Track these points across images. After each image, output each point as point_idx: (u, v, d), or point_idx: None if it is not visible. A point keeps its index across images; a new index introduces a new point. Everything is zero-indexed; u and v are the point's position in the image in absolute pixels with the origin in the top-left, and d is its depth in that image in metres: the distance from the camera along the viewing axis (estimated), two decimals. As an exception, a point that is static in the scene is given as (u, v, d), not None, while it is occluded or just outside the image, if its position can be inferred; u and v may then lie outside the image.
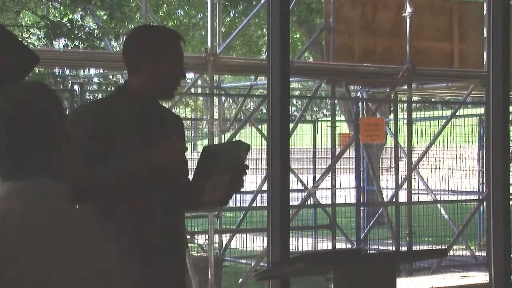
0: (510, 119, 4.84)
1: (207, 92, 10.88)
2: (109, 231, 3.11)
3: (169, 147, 3.17)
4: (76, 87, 9.44)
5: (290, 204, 4.33)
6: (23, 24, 14.84)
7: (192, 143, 22.08)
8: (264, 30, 17.93)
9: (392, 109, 12.63)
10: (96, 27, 12.50)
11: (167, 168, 3.10)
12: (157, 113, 3.26)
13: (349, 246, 11.14)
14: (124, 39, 3.52)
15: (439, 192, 13.31)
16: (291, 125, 10.16)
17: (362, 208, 12.27)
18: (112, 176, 3.03)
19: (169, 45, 3.19)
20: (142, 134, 3.14)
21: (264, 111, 13.44)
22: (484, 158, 11.97)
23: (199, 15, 19.42)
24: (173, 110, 11.60)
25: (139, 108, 3.17)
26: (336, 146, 11.60)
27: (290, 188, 4.22)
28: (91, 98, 11.71)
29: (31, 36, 12.74)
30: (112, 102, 3.20)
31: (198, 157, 3.15)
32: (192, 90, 12.64)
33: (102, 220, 3.11)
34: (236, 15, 18.57)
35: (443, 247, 10.58)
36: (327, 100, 14.65)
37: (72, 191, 3.04)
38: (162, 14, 18.11)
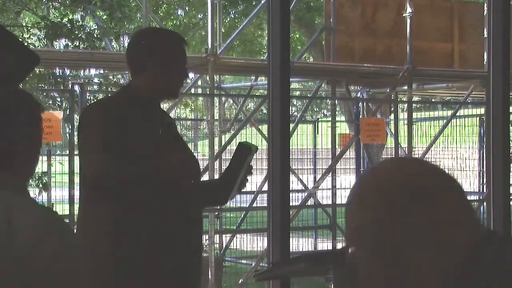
0: (511, 119, 4.84)
1: (207, 93, 10.88)
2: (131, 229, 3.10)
3: (186, 148, 3.26)
4: (76, 88, 9.43)
5: (291, 204, 4.33)
6: (24, 24, 14.83)
7: (193, 143, 22.05)
8: (261, 30, 17.94)
9: (392, 109, 12.63)
10: (96, 27, 12.50)
11: (189, 168, 3.16)
12: (161, 113, 3.32)
13: (349, 246, 11.12)
14: (126, 40, 3.59)
15: (439, 192, 13.28)
16: (291, 126, 10.15)
17: (362, 208, 12.24)
18: (139, 175, 3.06)
19: (171, 47, 3.25)
20: (152, 133, 3.16)
21: (265, 111, 13.44)
22: (484, 158, 11.96)
23: (199, 15, 19.42)
24: (173, 111, 11.65)
25: (145, 108, 3.20)
26: (337, 147, 11.60)
27: (291, 189, 4.22)
28: (92, 98, 11.71)
29: (31, 37, 12.73)
30: (119, 102, 3.23)
31: (233, 152, 3.36)
32: (192, 91, 12.64)
33: (125, 219, 3.10)
34: (236, 15, 18.57)
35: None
36: (327, 101, 14.65)
37: (101, 187, 3.04)
38: (161, 14, 18.11)
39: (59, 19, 12.12)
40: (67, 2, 12.15)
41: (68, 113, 9.88)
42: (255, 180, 11.02)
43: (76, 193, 8.86)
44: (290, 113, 5.28)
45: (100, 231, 3.12)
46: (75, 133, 10.02)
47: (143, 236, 3.09)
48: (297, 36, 19.19)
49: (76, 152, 9.22)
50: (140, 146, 3.09)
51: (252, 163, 3.36)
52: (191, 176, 3.21)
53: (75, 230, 3.34)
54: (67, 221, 9.20)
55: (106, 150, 3.04)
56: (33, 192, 10.57)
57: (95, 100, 4.09)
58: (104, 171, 3.01)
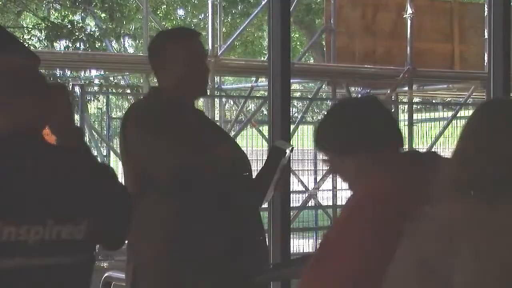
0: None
1: (208, 94, 10.87)
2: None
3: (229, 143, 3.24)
4: (77, 89, 9.43)
5: (291, 205, 4.33)
6: (24, 25, 14.84)
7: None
8: (261, 31, 17.95)
9: (393, 110, 12.63)
10: (96, 28, 12.51)
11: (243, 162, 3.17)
12: (195, 112, 3.29)
13: (350, 247, 11.11)
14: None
15: (440, 194, 13.27)
16: (292, 127, 10.14)
17: (363, 209, 12.24)
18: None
19: (183, 44, 3.18)
20: (190, 132, 3.15)
21: (265, 112, 13.44)
22: (485, 159, 11.94)
23: (200, 16, 19.42)
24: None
25: (179, 108, 3.16)
26: (337, 148, 11.55)
27: (291, 190, 4.22)
28: (92, 99, 11.72)
29: (32, 38, 12.74)
30: (156, 103, 3.20)
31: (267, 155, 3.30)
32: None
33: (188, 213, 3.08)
34: (237, 15, 18.57)
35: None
36: (328, 102, 14.64)
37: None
38: (161, 15, 18.11)
39: (59, 20, 12.14)
40: (68, 4, 12.16)
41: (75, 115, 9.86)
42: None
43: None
44: (291, 114, 5.29)
45: (167, 226, 3.07)
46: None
47: (205, 229, 3.04)
48: (297, 36, 19.19)
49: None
50: (193, 143, 3.07)
51: (289, 163, 3.31)
52: (245, 170, 3.18)
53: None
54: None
55: (169, 148, 3.03)
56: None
57: (133, 104, 3.98)
58: (179, 167, 2.99)
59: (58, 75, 11.24)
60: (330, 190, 11.16)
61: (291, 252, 4.04)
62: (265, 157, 3.50)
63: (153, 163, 3.06)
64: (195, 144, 3.05)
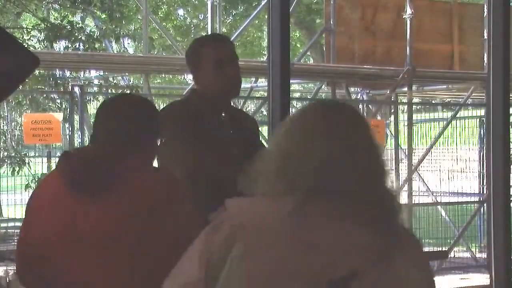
0: (511, 121, 4.84)
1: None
2: None
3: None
4: (76, 89, 9.43)
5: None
6: (24, 26, 14.84)
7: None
8: (260, 32, 17.95)
9: (392, 111, 12.61)
10: (96, 29, 12.50)
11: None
12: (227, 113, 3.50)
13: (349, 248, 11.11)
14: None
15: (439, 194, 13.27)
16: (291, 127, 10.11)
17: (362, 210, 12.23)
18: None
19: (211, 49, 3.47)
20: (216, 132, 3.32)
21: (265, 113, 13.44)
22: (484, 159, 11.96)
23: (200, 16, 19.42)
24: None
25: (210, 109, 3.38)
26: (337, 148, 11.53)
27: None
28: (91, 99, 11.71)
29: (31, 38, 12.72)
30: (186, 104, 3.44)
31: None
32: (193, 92, 12.62)
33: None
34: (237, 16, 18.57)
35: (444, 249, 10.57)
36: (328, 102, 14.62)
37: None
38: (161, 15, 18.11)
39: (59, 21, 12.12)
40: (67, 4, 12.15)
41: (68, 114, 9.87)
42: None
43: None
44: (290, 114, 5.30)
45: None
46: (76, 135, 10.03)
47: None
48: (297, 35, 19.19)
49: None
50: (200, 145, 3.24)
51: None
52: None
53: None
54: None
55: (188, 148, 3.28)
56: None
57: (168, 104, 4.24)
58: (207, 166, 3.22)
59: (58, 76, 11.23)
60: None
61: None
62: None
63: (173, 163, 3.24)
64: (206, 146, 3.23)
